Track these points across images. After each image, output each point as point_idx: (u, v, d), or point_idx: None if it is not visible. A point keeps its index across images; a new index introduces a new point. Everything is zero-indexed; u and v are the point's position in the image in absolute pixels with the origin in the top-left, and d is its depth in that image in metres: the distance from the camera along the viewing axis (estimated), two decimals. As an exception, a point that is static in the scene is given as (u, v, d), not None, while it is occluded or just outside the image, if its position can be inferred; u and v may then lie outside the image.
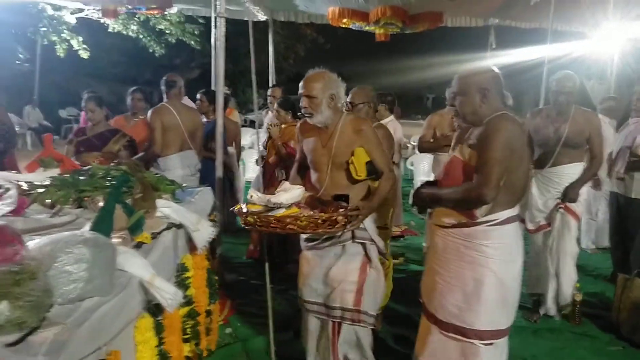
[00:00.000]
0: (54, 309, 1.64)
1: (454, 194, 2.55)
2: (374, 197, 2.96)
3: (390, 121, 6.17)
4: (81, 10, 10.08)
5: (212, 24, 8.29)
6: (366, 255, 3.01)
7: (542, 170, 4.20)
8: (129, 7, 9.06)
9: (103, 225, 2.07)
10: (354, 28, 9.49)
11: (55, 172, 3.24)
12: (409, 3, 8.38)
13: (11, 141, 4.59)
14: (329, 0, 8.67)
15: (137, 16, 10.64)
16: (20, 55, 9.88)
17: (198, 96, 5.69)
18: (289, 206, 2.77)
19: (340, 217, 2.66)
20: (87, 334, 1.62)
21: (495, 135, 2.40)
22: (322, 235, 2.95)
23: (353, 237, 2.98)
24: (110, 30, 10.68)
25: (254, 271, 5.12)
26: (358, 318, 2.99)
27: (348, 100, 3.96)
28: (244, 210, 2.78)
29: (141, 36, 11.16)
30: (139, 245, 2.31)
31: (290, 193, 2.85)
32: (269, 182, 4.96)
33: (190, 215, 2.84)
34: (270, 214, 2.71)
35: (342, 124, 2.94)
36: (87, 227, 2.25)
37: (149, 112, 4.78)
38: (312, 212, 2.72)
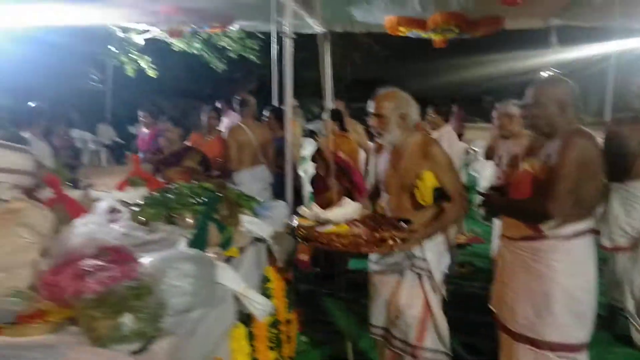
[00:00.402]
0: (166, 320, 1.81)
1: (520, 206, 2.56)
2: (435, 222, 2.81)
3: (445, 131, 5.97)
4: (147, 31, 10.57)
5: (272, 39, 8.51)
6: (422, 287, 2.86)
7: (624, 184, 3.91)
8: (193, 26, 9.45)
9: (199, 241, 2.24)
10: (411, 36, 9.55)
11: (143, 190, 3.47)
12: (467, 8, 8.36)
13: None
14: (386, 10, 8.76)
15: (199, 34, 11.01)
16: (93, 77, 10.46)
17: (266, 114, 5.87)
18: (339, 223, 2.76)
19: (386, 237, 2.56)
20: (197, 343, 1.78)
21: (567, 150, 2.38)
22: (383, 256, 2.91)
23: (412, 265, 2.87)
24: (174, 49, 11.14)
25: (315, 280, 5.25)
26: (420, 355, 2.88)
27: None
28: (295, 223, 2.82)
29: (204, 53, 11.57)
30: (228, 260, 2.47)
31: (341, 209, 2.85)
32: (318, 194, 5.01)
33: (270, 229, 2.99)
34: (318, 229, 2.70)
35: (412, 145, 2.88)
36: (183, 243, 2.43)
37: (225, 131, 5.01)
38: (360, 231, 2.65)
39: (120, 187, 3.53)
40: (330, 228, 2.71)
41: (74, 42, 9.39)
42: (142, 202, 3.06)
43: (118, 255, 1.82)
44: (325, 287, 5.09)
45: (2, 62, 8.06)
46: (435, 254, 2.88)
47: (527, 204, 2.50)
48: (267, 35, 12.03)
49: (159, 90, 12.85)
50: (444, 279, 2.94)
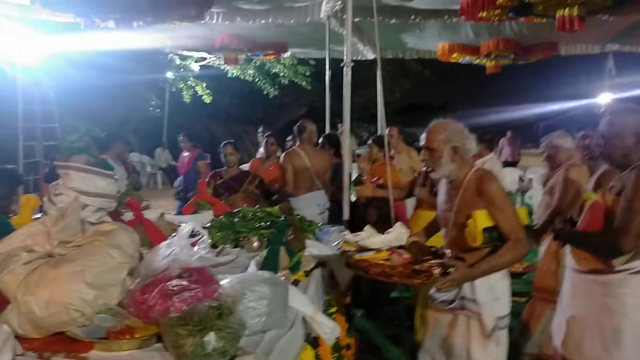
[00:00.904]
0: (243, 339, 1.89)
1: (592, 239, 2.51)
2: (484, 263, 2.58)
3: (488, 159, 5.94)
4: (204, 58, 10.98)
5: (327, 66, 8.69)
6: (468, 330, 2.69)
7: None
8: (249, 54, 9.76)
9: (271, 265, 2.33)
10: (463, 62, 9.58)
11: (209, 214, 3.61)
12: (522, 34, 8.34)
13: None
14: (438, 37, 8.84)
15: (253, 61, 11.33)
16: (152, 102, 10.92)
17: (320, 140, 5.97)
18: (380, 249, 2.72)
19: (422, 270, 2.44)
20: (273, 363, 1.86)
21: None
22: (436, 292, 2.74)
23: (462, 307, 2.72)
24: (229, 75, 11.51)
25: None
26: None
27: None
28: (340, 248, 2.81)
29: (257, 79, 11.89)
30: (295, 283, 2.55)
31: (384, 237, 2.82)
32: (360, 221, 4.95)
33: (332, 253, 3.06)
34: (359, 255, 2.67)
35: (467, 179, 2.67)
36: (253, 266, 2.53)
37: (282, 156, 5.14)
38: (399, 260, 2.59)
39: (187, 211, 3.66)
40: (369, 254, 2.68)
41: (136, 69, 9.84)
42: (209, 226, 3.20)
43: (200, 276, 1.91)
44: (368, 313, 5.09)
45: (73, 87, 8.50)
46: (487, 297, 2.65)
47: (599, 238, 2.45)
48: (318, 61, 12.33)
49: (212, 115, 13.26)
50: (500, 326, 2.69)
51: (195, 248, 2.03)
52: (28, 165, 7.44)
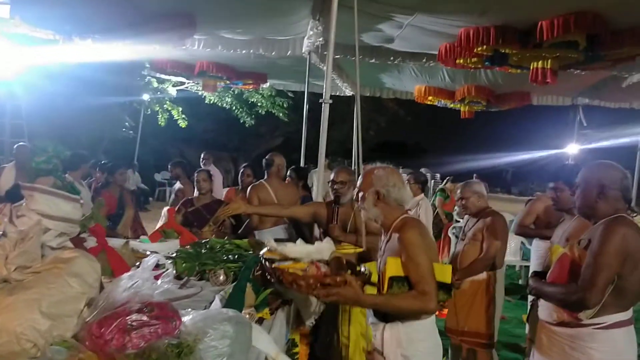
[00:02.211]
0: (202, 381, 1.82)
1: (557, 292, 2.52)
2: (382, 295, 2.46)
3: (420, 200, 6.13)
4: (182, 83, 10.96)
5: (305, 99, 8.77)
6: None
7: None
8: (228, 82, 9.78)
9: (236, 301, 2.27)
10: (439, 105, 9.77)
11: (176, 243, 3.54)
12: (496, 83, 8.57)
13: None
14: (415, 79, 9.02)
15: (232, 89, 11.36)
16: (126, 124, 10.80)
17: (288, 173, 5.95)
18: (300, 260, 2.63)
19: (330, 283, 2.31)
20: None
21: (607, 238, 2.33)
22: None
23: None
24: (206, 101, 11.49)
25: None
26: None
27: (332, 178, 4.02)
28: (262, 255, 2.69)
29: (234, 107, 11.90)
30: (260, 321, 2.49)
31: (305, 247, 2.75)
32: None
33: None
34: (277, 263, 2.57)
35: (394, 226, 2.59)
36: (217, 301, 2.47)
37: (249, 189, 5.08)
38: (315, 272, 2.50)
39: (153, 238, 3.59)
40: (287, 264, 2.58)
41: (112, 88, 9.75)
42: (175, 256, 3.13)
43: (161, 312, 1.85)
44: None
45: (47, 103, 8.35)
46: (394, 352, 2.54)
47: (564, 290, 2.47)
48: (296, 93, 12.43)
49: (186, 140, 13.19)
50: None
51: (159, 281, 1.96)
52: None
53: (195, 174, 4.98)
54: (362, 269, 2.68)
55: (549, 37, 5.10)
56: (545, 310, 2.62)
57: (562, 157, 19.10)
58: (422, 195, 6.21)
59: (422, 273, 2.42)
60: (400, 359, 2.54)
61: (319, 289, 2.31)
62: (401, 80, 9.39)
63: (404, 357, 2.53)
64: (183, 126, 11.34)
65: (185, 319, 1.91)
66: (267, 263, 2.55)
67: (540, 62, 6.14)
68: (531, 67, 6.18)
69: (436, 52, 6.42)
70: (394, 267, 2.47)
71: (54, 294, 1.82)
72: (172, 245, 3.49)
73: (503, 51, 5.82)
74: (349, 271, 2.65)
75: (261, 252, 2.74)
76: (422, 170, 9.89)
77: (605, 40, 5.23)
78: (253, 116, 12.25)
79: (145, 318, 1.80)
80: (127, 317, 1.79)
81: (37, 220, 2.15)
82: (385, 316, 2.60)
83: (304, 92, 13.24)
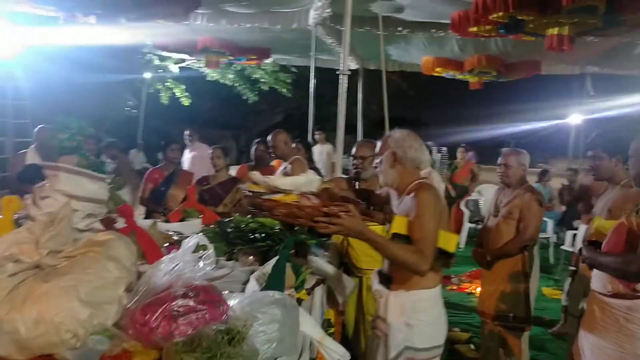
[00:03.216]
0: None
1: (613, 262, 2.43)
2: (382, 237, 2.42)
3: (429, 172, 6.03)
4: (183, 60, 10.74)
5: (311, 73, 8.60)
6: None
7: None
8: (231, 57, 9.57)
9: (277, 282, 2.16)
10: (446, 76, 9.58)
11: (197, 222, 3.42)
12: (506, 52, 8.39)
13: None
14: (423, 50, 8.83)
15: (234, 66, 11.16)
16: (129, 102, 10.60)
17: (294, 145, 5.77)
18: (290, 192, 2.53)
19: (331, 213, 2.20)
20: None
21: None
22: None
23: (375, 326, 2.60)
24: (208, 79, 11.28)
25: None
26: None
27: (352, 153, 3.89)
28: (246, 189, 2.60)
29: (236, 84, 11.69)
30: (298, 302, 2.38)
31: (295, 179, 2.68)
32: None
33: (331, 269, 2.90)
34: (265, 196, 2.48)
35: (409, 189, 2.57)
36: (253, 282, 2.35)
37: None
38: (309, 203, 2.38)
39: (174, 218, 3.47)
40: (277, 196, 2.48)
41: (113, 66, 9.53)
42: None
43: (207, 296, 1.74)
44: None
45: (48, 82, 8.15)
46: (398, 320, 2.49)
47: (621, 260, 2.38)
48: (298, 69, 12.21)
49: (188, 119, 13.02)
50: (411, 358, 2.47)
51: (201, 264, 1.84)
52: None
53: (210, 151, 4.84)
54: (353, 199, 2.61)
55: (568, 3, 4.93)
56: (599, 281, 2.52)
57: (564, 128, 18.96)
58: (430, 168, 6.03)
59: (424, 234, 2.39)
60: (403, 327, 2.50)
61: (319, 219, 2.21)
62: (408, 52, 9.20)
63: (407, 325, 2.50)
64: (186, 104, 11.14)
65: (231, 302, 1.80)
66: (254, 197, 2.44)
67: (557, 29, 5.96)
68: (547, 34, 6.01)
69: (447, 21, 6.25)
70: (399, 225, 2.46)
71: (92, 279, 1.70)
72: (194, 225, 3.37)
73: (519, 18, 5.65)
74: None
75: (243, 186, 2.64)
76: (428, 143, 9.76)
77: (625, 4, 5.07)
78: (256, 92, 12.04)
79: (191, 303, 1.69)
80: (173, 303, 1.68)
81: (65, 202, 2.02)
82: (389, 283, 2.56)
83: (306, 67, 13.03)
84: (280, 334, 1.80)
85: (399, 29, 7.51)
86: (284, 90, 11.87)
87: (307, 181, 2.66)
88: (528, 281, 3.75)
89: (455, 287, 6.12)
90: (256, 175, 2.69)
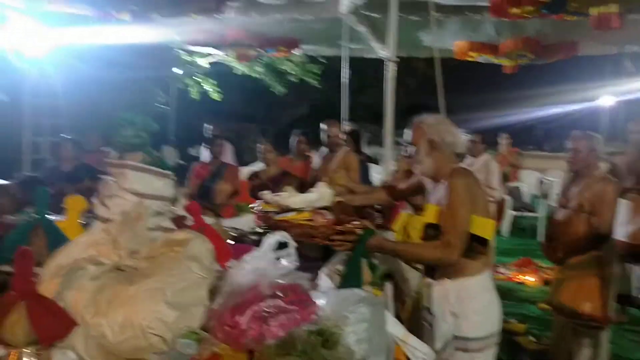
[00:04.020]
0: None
1: None
2: (403, 243, 2.43)
3: (487, 160, 5.92)
4: (211, 55, 10.68)
5: (342, 63, 8.50)
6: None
7: None
8: (260, 50, 9.49)
9: (354, 280, 2.07)
10: (480, 61, 9.36)
11: (251, 218, 3.34)
12: (543, 33, 8.14)
13: None
14: (457, 35, 8.61)
15: (262, 58, 11.09)
16: (160, 99, 10.58)
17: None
18: (302, 210, 2.54)
19: (347, 230, 2.24)
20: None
21: None
22: None
23: (423, 318, 2.52)
24: (236, 72, 11.21)
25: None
26: None
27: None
28: (258, 209, 2.65)
29: (264, 77, 11.61)
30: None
31: (305, 196, 2.66)
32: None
33: (397, 262, 2.80)
34: (278, 216, 2.51)
35: (445, 176, 2.48)
36: (324, 278, 2.26)
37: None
38: (323, 220, 2.42)
39: (227, 213, 3.40)
40: (290, 215, 2.49)
41: (142, 64, 9.53)
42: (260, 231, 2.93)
43: (296, 296, 1.65)
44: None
45: (79, 81, 8.16)
46: (441, 309, 2.43)
47: None
48: (328, 59, 12.06)
49: (215, 113, 13.01)
50: (460, 347, 2.40)
51: (284, 262, 1.75)
52: (34, 161, 7.13)
53: (259, 146, 4.77)
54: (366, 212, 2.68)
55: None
56: None
57: (595, 110, 18.48)
58: (488, 155, 5.91)
59: (454, 224, 2.32)
60: (448, 317, 2.43)
61: (335, 238, 2.22)
62: (441, 38, 8.97)
63: (453, 314, 2.42)
64: (216, 99, 11.10)
65: (320, 302, 1.71)
66: (267, 216, 2.48)
67: (601, 7, 5.75)
68: (592, 13, 5.80)
69: (483, 4, 6.07)
70: (431, 214, 2.42)
71: (176, 281, 1.62)
72: (248, 221, 3.30)
73: (564, -4, 5.46)
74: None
75: (254, 205, 2.68)
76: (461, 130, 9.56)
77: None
78: (284, 84, 11.94)
79: (281, 304, 1.60)
80: (262, 304, 1.59)
81: (138, 201, 1.95)
82: (433, 274, 2.49)
83: (333, 57, 12.86)
84: (369, 333, 1.71)
85: (433, 13, 7.35)
86: (313, 81, 11.74)
87: (319, 197, 2.62)
88: (607, 278, 3.46)
89: (503, 277, 5.98)
90: (267, 195, 2.71)
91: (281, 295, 1.64)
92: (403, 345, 2.00)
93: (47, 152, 7.18)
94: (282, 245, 1.87)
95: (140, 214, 1.77)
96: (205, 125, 8.10)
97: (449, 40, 9.09)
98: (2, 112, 7.09)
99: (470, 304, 2.42)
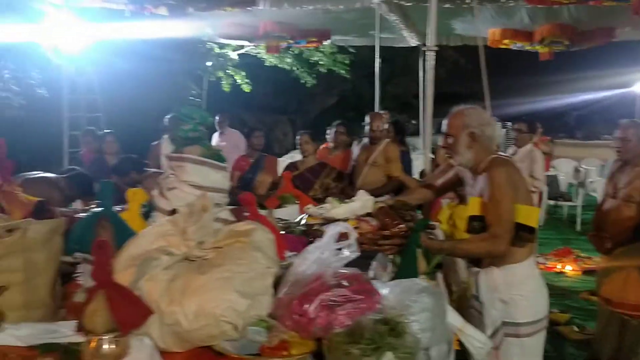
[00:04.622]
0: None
1: None
2: (453, 241, 2.50)
3: (531, 150, 5.83)
4: (241, 47, 10.74)
5: (376, 52, 8.49)
6: None
7: None
8: (291, 41, 9.51)
9: (410, 270, 2.09)
10: (514, 48, 9.23)
11: (295, 209, 3.39)
12: (579, 19, 7.98)
13: None
14: (491, 22, 8.50)
15: (291, 49, 11.10)
16: (193, 92, 10.71)
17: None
18: (347, 219, 2.59)
19: (392, 235, 2.34)
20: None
21: None
22: None
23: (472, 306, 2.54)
24: (267, 64, 11.27)
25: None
26: None
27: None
28: (303, 222, 2.76)
29: (294, 68, 11.64)
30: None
31: (348, 205, 2.72)
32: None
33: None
34: (323, 227, 2.49)
35: (484, 167, 2.50)
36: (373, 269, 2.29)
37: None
38: (368, 227, 2.50)
39: (270, 204, 3.44)
40: None
41: (176, 57, 9.64)
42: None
43: (361, 285, 1.69)
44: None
45: (114, 76, 8.29)
46: (489, 296, 2.45)
47: None
48: (358, 49, 12.02)
49: (246, 105, 13.10)
50: (510, 333, 2.44)
51: (346, 252, 1.78)
52: (72, 155, 7.29)
53: (298, 137, 4.82)
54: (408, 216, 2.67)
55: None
56: None
57: (629, 96, 18.05)
58: (532, 145, 5.81)
59: (499, 214, 2.35)
60: (497, 304, 2.46)
61: (383, 243, 2.30)
62: (474, 25, 8.86)
63: (501, 301, 2.46)
64: (247, 91, 11.18)
65: (383, 291, 1.74)
66: (314, 230, 2.58)
67: (642, -9, 5.61)
68: (633, -2, 5.66)
69: (519, -11, 5.99)
70: (474, 206, 2.45)
71: (245, 270, 1.67)
72: (292, 212, 3.34)
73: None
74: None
75: (299, 219, 2.83)
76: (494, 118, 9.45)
77: None
78: (314, 76, 11.96)
79: (347, 293, 1.64)
80: (329, 293, 1.63)
81: (201, 193, 2.00)
82: (479, 262, 2.52)
83: (363, 48, 12.77)
84: (432, 322, 1.74)
85: (468, 0, 7.26)
86: (342, 71, 11.73)
87: (361, 205, 2.70)
88: None
89: (542, 267, 5.94)
90: (311, 208, 2.84)
91: (347, 284, 1.68)
92: (460, 334, 2.02)
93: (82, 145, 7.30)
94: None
95: (207, 205, 1.82)
96: (216, 116, 8.12)
97: (482, 28, 8.98)
98: (43, 107, 7.27)
99: (518, 289, 2.46)
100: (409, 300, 1.73)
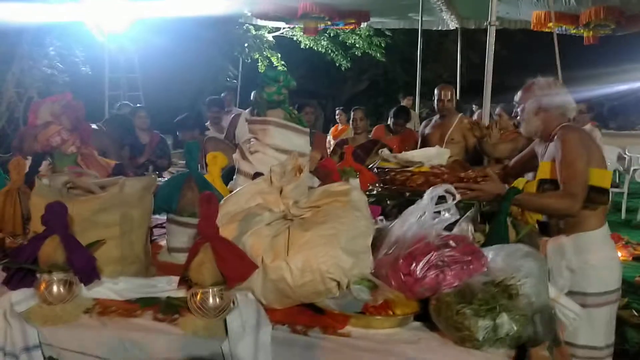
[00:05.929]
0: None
1: None
2: (526, 194, 2.33)
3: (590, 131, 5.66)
4: (277, 29, 10.68)
5: (419, 32, 8.38)
6: None
7: None
8: (329, 23, 9.43)
9: (500, 237, 2.03)
10: (558, 32, 9.01)
11: (356, 182, 3.33)
12: (628, 2, 7.76)
13: None
14: (535, 5, 8.33)
15: (327, 32, 11.02)
16: (230, 73, 10.71)
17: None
18: (421, 165, 2.62)
19: (469, 177, 2.29)
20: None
21: None
22: None
23: None
24: (302, 46, 11.21)
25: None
26: None
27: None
28: (376, 168, 2.76)
29: (329, 51, 11.56)
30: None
31: (424, 151, 2.79)
32: None
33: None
34: (397, 171, 2.58)
35: (553, 135, 2.48)
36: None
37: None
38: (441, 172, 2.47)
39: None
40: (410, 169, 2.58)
41: (213, 37, 9.62)
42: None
43: (467, 247, 1.64)
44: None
45: (153, 55, 8.31)
46: (558, 264, 2.43)
47: None
48: (394, 32, 11.88)
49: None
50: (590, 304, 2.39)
51: (446, 214, 1.73)
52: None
53: (352, 112, 4.76)
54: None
55: None
56: None
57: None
58: (591, 125, 5.67)
59: (572, 174, 2.30)
60: (564, 272, 2.43)
61: (458, 186, 2.17)
62: (518, 8, 8.71)
63: (569, 270, 2.43)
64: (282, 72, 11.19)
65: (488, 254, 1.69)
66: (384, 173, 2.57)
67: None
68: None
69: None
70: (544, 170, 2.45)
71: (348, 228, 1.63)
72: (355, 184, 3.29)
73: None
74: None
75: (372, 165, 2.92)
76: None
77: None
78: (349, 58, 11.88)
79: (455, 254, 1.59)
80: (437, 253, 1.59)
81: (293, 154, 1.96)
82: (547, 230, 2.51)
83: (398, 31, 12.58)
84: (537, 288, 1.68)
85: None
86: (378, 54, 11.62)
87: (438, 153, 2.70)
88: None
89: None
90: (385, 152, 2.92)
91: (454, 245, 1.63)
92: (554, 304, 1.96)
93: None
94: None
95: (300, 165, 1.79)
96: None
97: (525, 11, 8.80)
98: (86, 84, 7.33)
99: (588, 258, 2.42)
100: (515, 264, 1.68)
